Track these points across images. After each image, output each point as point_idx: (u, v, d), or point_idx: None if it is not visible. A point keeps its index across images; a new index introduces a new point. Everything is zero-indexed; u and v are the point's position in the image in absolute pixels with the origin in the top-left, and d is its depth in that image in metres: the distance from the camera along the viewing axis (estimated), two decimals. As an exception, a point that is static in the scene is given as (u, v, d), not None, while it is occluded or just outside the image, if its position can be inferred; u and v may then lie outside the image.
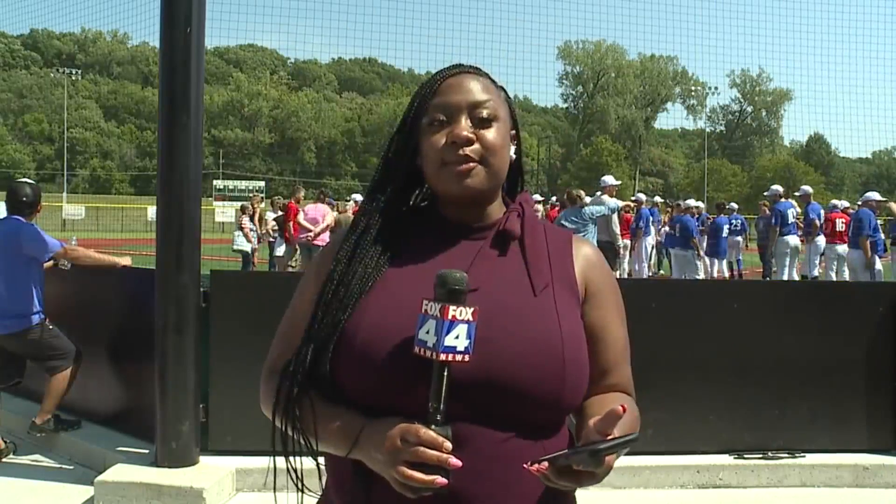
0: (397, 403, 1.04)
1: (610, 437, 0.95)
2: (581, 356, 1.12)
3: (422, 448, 0.97)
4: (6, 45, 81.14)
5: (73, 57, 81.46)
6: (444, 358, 0.99)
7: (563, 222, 9.17)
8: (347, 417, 1.07)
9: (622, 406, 0.95)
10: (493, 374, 1.04)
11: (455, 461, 0.97)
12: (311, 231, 11.21)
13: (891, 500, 3.92)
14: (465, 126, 1.13)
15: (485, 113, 1.15)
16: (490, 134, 1.14)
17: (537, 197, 16.93)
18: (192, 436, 3.80)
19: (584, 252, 1.23)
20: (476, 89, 1.16)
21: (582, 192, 9.86)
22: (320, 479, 1.11)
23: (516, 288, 1.13)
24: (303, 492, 1.13)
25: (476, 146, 1.13)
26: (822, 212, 12.50)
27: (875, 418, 4.19)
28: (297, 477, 1.14)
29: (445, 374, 1.00)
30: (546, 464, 0.96)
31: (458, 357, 0.99)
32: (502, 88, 1.23)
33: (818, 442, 4.15)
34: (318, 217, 11.37)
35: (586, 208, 9.39)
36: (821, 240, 12.07)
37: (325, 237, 11.18)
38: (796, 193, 13.27)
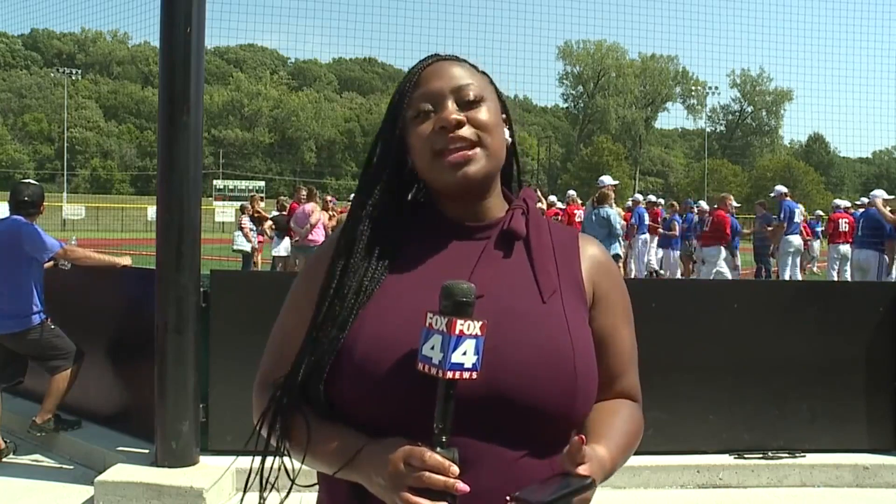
0: (399, 422, 0.97)
1: (571, 476, 0.93)
2: (592, 367, 1.06)
3: (427, 473, 0.90)
4: (6, 45, 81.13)
5: (73, 57, 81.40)
6: (450, 376, 0.92)
7: (587, 220, 9.41)
8: (345, 436, 1.01)
9: (580, 437, 0.93)
10: (501, 387, 0.98)
11: (463, 486, 0.91)
12: (300, 232, 11.19)
13: (891, 500, 3.92)
14: (452, 110, 1.07)
15: (471, 94, 1.08)
16: (480, 112, 1.08)
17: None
18: (192, 436, 3.80)
19: (591, 252, 1.16)
20: (458, 74, 1.10)
21: (611, 192, 9.92)
22: (293, 480, 1.06)
23: (523, 293, 1.06)
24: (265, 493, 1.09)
25: (467, 128, 1.06)
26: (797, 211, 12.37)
27: (875, 418, 4.19)
28: (264, 485, 1.09)
29: (452, 392, 0.93)
30: None
31: (466, 374, 0.92)
32: (485, 74, 1.17)
33: (818, 442, 4.15)
34: (305, 218, 11.33)
35: (602, 209, 9.52)
36: (795, 239, 12.01)
37: (315, 235, 11.15)
38: (771, 195, 13.24)
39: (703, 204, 17.64)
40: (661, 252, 13.53)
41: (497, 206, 1.14)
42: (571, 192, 15.55)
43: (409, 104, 1.09)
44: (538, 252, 1.11)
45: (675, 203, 14.91)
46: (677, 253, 13.97)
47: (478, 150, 1.07)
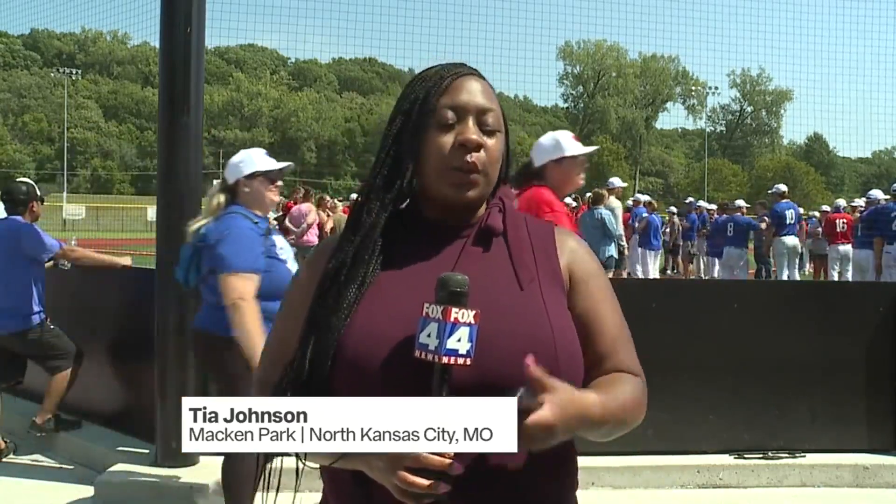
0: None
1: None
2: (573, 348, 1.11)
3: (424, 454, 0.95)
4: (6, 45, 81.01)
5: (73, 57, 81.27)
6: (446, 361, 0.98)
7: (582, 222, 9.41)
8: None
9: (532, 357, 0.97)
10: (486, 373, 1.02)
11: (458, 466, 0.96)
12: (294, 232, 11.17)
13: (891, 500, 3.92)
14: (474, 130, 1.13)
15: (490, 121, 1.14)
16: (493, 144, 1.14)
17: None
18: (192, 436, 3.79)
19: (568, 243, 1.22)
20: (484, 94, 1.15)
21: (605, 193, 9.91)
22: (298, 479, 1.10)
23: (503, 284, 1.12)
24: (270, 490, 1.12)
25: (482, 154, 1.12)
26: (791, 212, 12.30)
27: (875, 418, 4.19)
28: (267, 481, 1.12)
29: (447, 378, 0.99)
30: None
31: (461, 360, 0.98)
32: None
33: (818, 442, 4.15)
34: (301, 218, 11.31)
35: (596, 211, 9.52)
36: (789, 240, 11.98)
37: (310, 236, 11.13)
38: (769, 192, 13.22)
39: (704, 203, 17.65)
40: (639, 251, 13.49)
41: (479, 208, 1.20)
42: (589, 194, 15.50)
43: (432, 108, 1.13)
44: (515, 245, 1.16)
45: (653, 202, 14.92)
46: (657, 252, 13.93)
47: (479, 177, 1.13)
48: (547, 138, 3.29)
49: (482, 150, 1.12)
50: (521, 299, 1.10)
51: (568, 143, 3.23)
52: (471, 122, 1.13)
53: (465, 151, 1.11)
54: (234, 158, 3.14)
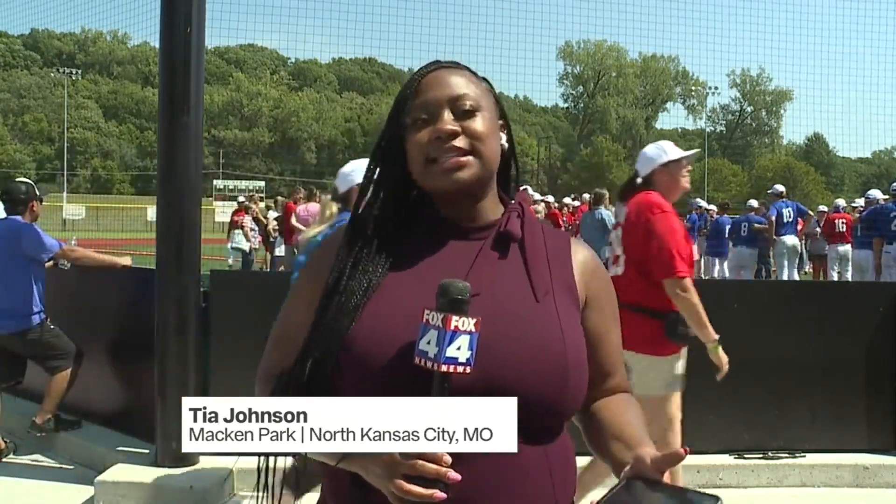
0: None
1: (690, 492, 0.96)
2: (582, 363, 1.10)
3: (420, 462, 0.94)
4: (6, 45, 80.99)
5: (73, 57, 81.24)
6: (445, 369, 0.97)
7: (583, 222, 9.39)
8: None
9: (685, 449, 0.98)
10: (495, 381, 1.02)
11: (454, 475, 0.95)
12: (302, 231, 11.16)
13: (891, 500, 3.92)
14: (447, 120, 1.11)
15: (467, 105, 1.12)
16: (475, 123, 1.11)
17: (537, 196, 16.82)
18: (192, 436, 3.79)
19: (583, 256, 1.21)
20: (456, 83, 1.13)
21: (606, 193, 9.90)
22: (298, 483, 1.09)
23: (518, 293, 1.10)
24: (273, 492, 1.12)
25: (462, 138, 1.10)
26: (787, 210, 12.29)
27: (875, 418, 4.20)
28: (267, 483, 1.12)
29: (446, 385, 0.98)
30: None
31: (460, 369, 0.97)
32: (485, 80, 1.20)
33: (818, 442, 4.15)
34: (310, 218, 11.33)
35: (597, 211, 9.51)
36: (789, 239, 11.97)
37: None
38: (768, 191, 13.24)
39: (703, 203, 17.66)
40: None
41: (492, 208, 1.18)
42: (587, 195, 15.51)
43: (407, 112, 1.13)
44: (532, 254, 1.15)
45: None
46: None
47: (471, 157, 1.11)
48: (650, 148, 3.46)
49: (461, 136, 1.10)
50: (536, 309, 1.09)
51: (671, 149, 3.43)
52: (445, 114, 1.11)
53: (442, 142, 1.10)
54: (346, 168, 3.22)
